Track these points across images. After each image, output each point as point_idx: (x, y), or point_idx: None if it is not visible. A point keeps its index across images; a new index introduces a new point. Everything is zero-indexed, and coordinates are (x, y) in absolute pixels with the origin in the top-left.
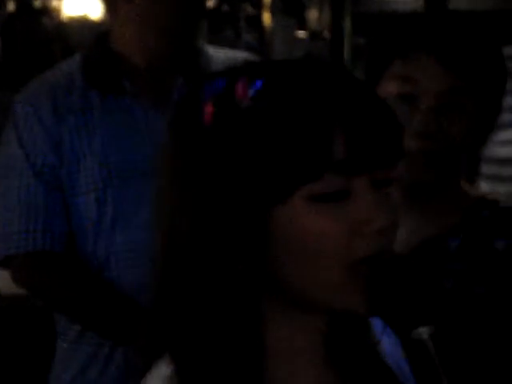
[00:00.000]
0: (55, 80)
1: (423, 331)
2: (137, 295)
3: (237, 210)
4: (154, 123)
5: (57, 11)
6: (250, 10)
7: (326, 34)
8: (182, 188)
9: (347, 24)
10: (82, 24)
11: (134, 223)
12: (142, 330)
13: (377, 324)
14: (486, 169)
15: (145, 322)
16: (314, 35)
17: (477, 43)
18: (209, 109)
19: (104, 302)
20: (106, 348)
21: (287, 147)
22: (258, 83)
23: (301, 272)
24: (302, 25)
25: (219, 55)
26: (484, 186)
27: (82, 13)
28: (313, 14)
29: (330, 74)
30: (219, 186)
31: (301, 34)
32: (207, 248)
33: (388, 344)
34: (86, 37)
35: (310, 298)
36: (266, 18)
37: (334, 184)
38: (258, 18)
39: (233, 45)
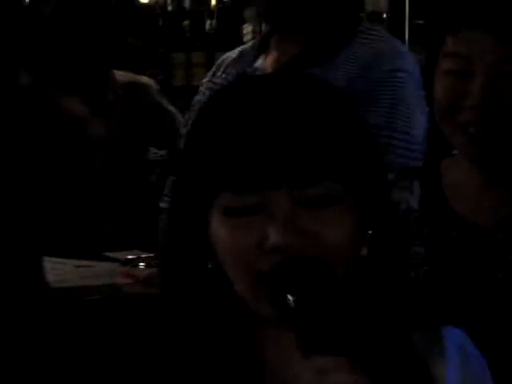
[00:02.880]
0: None
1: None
2: None
3: (189, 214)
4: None
5: None
6: None
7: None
8: None
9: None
10: None
11: None
12: None
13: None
14: None
15: None
16: (372, 17)
17: None
18: None
19: None
20: None
21: (195, 165)
22: None
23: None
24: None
25: None
26: None
27: None
28: None
29: (240, 91)
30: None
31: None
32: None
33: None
34: None
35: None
36: None
37: (243, 200)
38: None
39: None
